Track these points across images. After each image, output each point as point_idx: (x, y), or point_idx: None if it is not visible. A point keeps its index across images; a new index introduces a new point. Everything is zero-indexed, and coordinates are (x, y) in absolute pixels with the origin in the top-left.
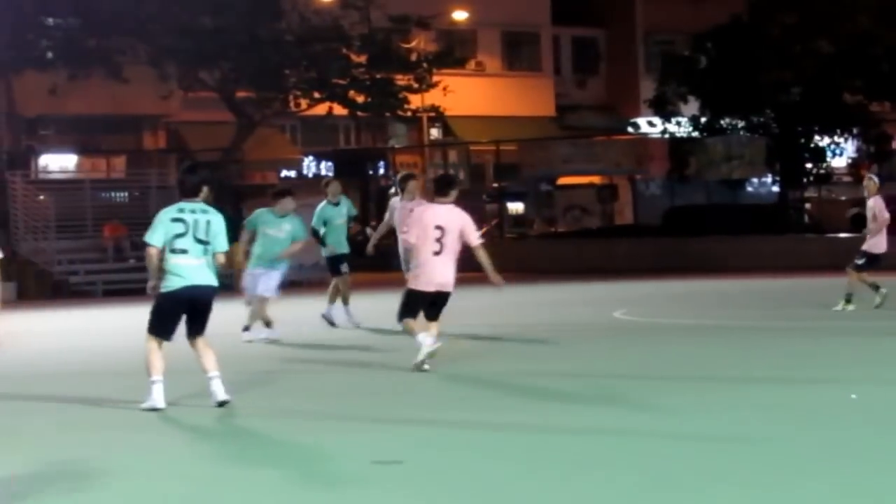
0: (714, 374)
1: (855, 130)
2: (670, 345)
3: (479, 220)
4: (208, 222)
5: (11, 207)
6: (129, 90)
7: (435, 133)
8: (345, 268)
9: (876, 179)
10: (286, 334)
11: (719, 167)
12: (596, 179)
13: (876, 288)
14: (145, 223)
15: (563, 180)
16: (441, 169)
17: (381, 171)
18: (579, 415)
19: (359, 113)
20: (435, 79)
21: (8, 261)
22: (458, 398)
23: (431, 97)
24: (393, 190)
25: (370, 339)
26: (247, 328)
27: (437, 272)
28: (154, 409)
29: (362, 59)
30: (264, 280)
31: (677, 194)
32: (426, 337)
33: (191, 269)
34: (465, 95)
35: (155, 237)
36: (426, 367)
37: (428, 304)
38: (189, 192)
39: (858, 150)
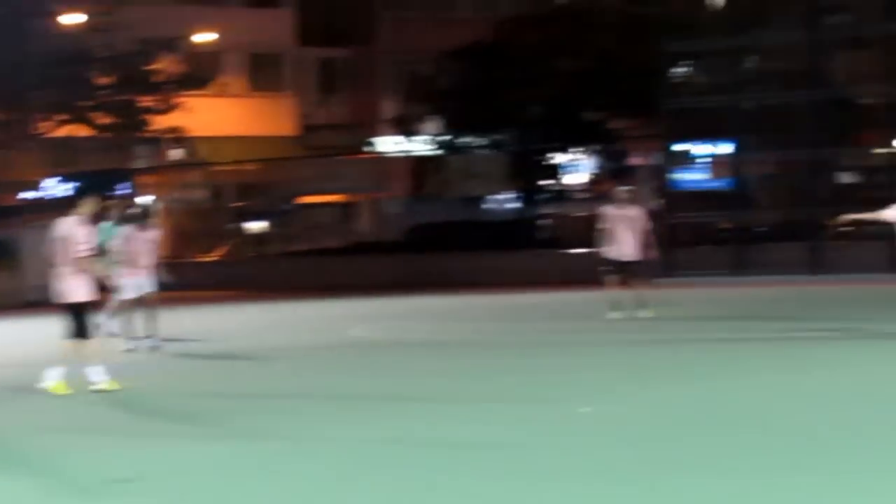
0: (448, 388)
1: (594, 147)
2: (403, 360)
3: (221, 239)
4: None
5: None
6: None
7: (180, 154)
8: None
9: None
10: None
11: (460, 185)
12: (338, 198)
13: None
14: None
15: (305, 199)
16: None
17: (126, 192)
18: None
19: (103, 134)
20: (181, 100)
21: None
22: (182, 414)
23: (177, 118)
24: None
25: None
26: None
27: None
28: None
29: (108, 81)
30: None
31: (418, 212)
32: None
33: None
34: (211, 116)
35: None
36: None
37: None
38: None
39: (598, 166)
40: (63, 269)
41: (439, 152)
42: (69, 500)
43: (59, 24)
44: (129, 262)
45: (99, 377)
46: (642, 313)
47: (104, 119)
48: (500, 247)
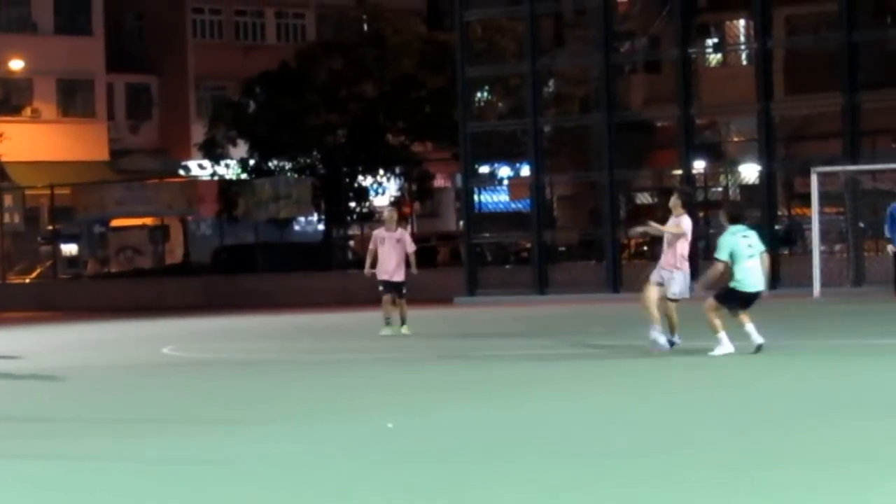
0: (255, 406)
1: (398, 170)
2: (211, 378)
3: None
4: None
5: None
6: None
7: None
8: None
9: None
10: None
11: (267, 207)
12: (149, 221)
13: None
14: None
15: (116, 222)
16: None
17: None
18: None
19: None
20: None
21: None
22: None
23: None
24: None
25: None
26: None
27: None
28: None
29: None
30: None
31: (227, 234)
32: None
33: None
34: (22, 141)
35: None
36: None
37: None
38: None
39: (401, 188)
40: None
41: (248, 176)
42: None
43: None
44: None
45: None
46: (405, 330)
47: None
48: (307, 267)
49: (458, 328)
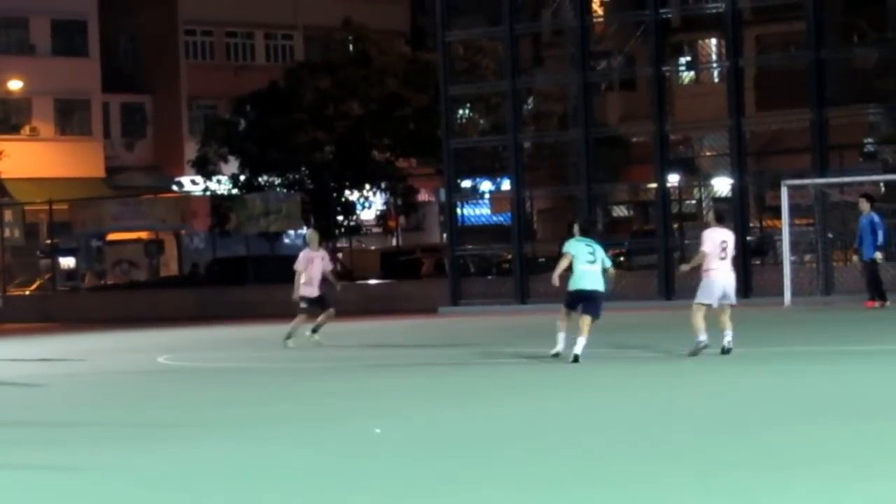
0: (250, 411)
1: (383, 185)
2: (206, 385)
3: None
4: None
5: None
6: None
7: None
8: None
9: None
10: None
11: (258, 221)
12: (143, 235)
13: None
14: None
15: (112, 236)
16: None
17: None
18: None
19: None
20: None
21: None
22: None
23: None
24: None
25: None
26: None
27: None
28: None
29: None
30: None
31: (219, 247)
32: None
33: None
34: (21, 159)
35: None
36: None
37: None
38: None
39: (386, 203)
40: None
41: (239, 191)
42: None
43: None
44: None
45: None
46: (315, 338)
47: None
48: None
49: (443, 337)
